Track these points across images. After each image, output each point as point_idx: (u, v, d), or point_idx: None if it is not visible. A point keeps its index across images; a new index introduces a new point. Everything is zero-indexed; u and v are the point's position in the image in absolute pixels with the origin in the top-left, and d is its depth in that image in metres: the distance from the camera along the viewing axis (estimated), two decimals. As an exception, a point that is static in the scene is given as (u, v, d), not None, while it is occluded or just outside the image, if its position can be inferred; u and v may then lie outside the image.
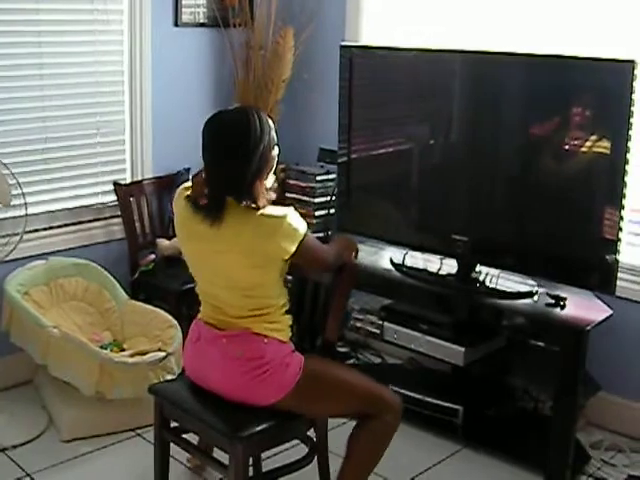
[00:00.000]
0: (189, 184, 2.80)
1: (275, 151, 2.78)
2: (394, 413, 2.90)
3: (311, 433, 3.06)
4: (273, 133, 2.76)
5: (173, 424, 3.01)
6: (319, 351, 3.08)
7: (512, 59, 3.61)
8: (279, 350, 2.76)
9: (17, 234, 3.52)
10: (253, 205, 2.68)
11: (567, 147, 3.49)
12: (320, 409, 2.92)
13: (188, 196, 2.76)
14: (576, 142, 3.44)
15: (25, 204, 3.54)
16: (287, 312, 2.86)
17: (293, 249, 2.69)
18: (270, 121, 2.77)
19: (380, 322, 3.98)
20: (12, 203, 3.51)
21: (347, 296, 3.11)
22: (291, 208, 2.75)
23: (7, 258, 3.67)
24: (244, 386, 2.74)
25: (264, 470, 3.16)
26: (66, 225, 4.20)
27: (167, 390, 2.99)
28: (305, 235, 2.73)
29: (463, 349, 3.66)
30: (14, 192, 3.51)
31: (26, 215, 3.54)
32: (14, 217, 3.55)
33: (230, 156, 2.66)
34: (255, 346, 2.74)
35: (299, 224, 2.73)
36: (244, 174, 2.66)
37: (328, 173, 4.62)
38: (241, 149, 2.66)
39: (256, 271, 2.71)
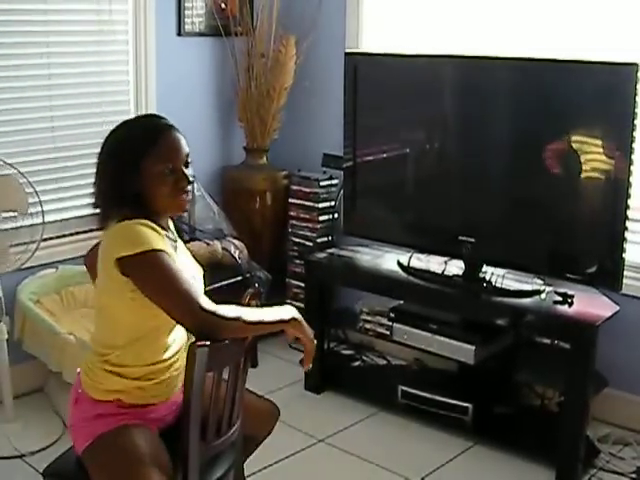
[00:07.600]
0: None
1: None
2: None
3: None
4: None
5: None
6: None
7: (513, 63, 3.70)
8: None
9: (34, 242, 3.55)
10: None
11: (571, 150, 3.56)
12: None
13: None
14: (579, 144, 3.53)
15: (42, 212, 3.57)
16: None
17: (123, 253, 2.29)
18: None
19: (390, 323, 4.03)
20: (29, 211, 3.56)
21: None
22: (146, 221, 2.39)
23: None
24: None
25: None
26: (77, 233, 4.21)
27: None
28: (151, 250, 2.29)
29: (473, 347, 3.72)
30: (31, 200, 3.56)
31: (43, 223, 3.57)
32: (30, 225, 3.58)
33: None
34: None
35: (146, 235, 2.33)
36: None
37: (331, 178, 4.69)
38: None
39: (105, 278, 2.40)
